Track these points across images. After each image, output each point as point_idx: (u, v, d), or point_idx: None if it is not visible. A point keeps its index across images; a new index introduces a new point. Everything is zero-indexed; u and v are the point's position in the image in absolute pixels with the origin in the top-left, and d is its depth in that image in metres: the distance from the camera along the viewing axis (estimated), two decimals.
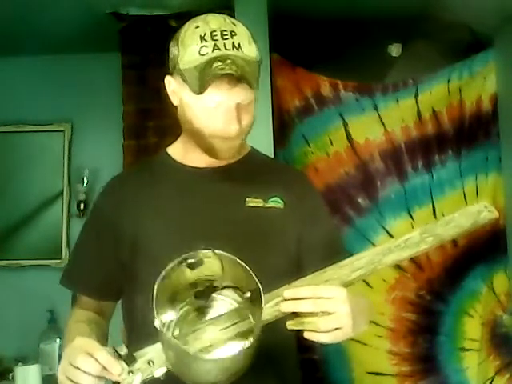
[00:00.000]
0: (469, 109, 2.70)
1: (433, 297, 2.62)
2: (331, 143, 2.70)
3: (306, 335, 0.86)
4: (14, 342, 2.63)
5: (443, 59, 2.75)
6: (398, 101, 2.72)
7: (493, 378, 2.52)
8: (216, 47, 0.98)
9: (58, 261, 2.82)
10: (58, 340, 2.59)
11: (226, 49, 0.98)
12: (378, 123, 2.71)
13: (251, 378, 0.86)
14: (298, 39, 2.69)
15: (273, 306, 0.85)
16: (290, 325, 0.87)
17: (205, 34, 0.99)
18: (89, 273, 1.13)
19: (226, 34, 1.00)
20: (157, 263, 1.03)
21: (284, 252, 1.08)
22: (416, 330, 2.62)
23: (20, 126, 2.91)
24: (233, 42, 0.99)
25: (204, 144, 1.07)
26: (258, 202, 1.09)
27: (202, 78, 0.97)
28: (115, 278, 1.10)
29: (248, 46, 1.01)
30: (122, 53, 2.60)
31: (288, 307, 0.85)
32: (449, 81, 2.71)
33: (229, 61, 0.96)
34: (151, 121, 2.52)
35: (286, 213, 1.09)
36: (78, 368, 0.81)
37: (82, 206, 2.79)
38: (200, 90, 0.98)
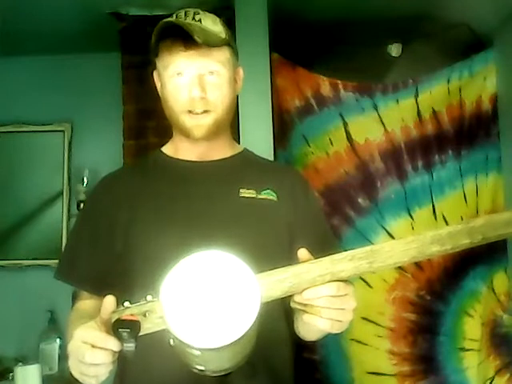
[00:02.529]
0: (469, 109, 2.70)
1: (433, 297, 2.62)
2: (331, 143, 2.70)
3: (305, 317, 0.85)
4: (14, 342, 2.63)
5: (443, 59, 2.76)
6: (397, 101, 2.72)
7: (493, 378, 2.52)
8: (174, 18, 1.07)
9: (58, 261, 2.81)
10: (58, 340, 2.60)
11: (184, 20, 1.06)
12: (378, 123, 2.71)
13: (244, 373, 0.85)
14: (298, 39, 2.69)
15: (279, 282, 0.81)
16: (294, 302, 0.85)
17: (171, 15, 1.09)
18: (83, 266, 1.12)
19: (189, 14, 1.07)
20: (150, 255, 1.04)
21: (276, 240, 1.08)
22: (416, 329, 2.62)
23: (20, 125, 2.91)
24: (193, 17, 1.06)
25: (178, 124, 1.11)
26: (251, 193, 1.10)
27: (156, 35, 1.06)
28: (110, 271, 1.09)
29: (211, 24, 1.07)
30: (122, 53, 2.60)
31: (302, 300, 0.83)
32: (449, 81, 2.71)
33: (181, 23, 1.04)
34: (151, 121, 2.52)
35: (279, 205, 1.11)
36: (90, 364, 0.80)
37: (81, 206, 2.79)
38: (155, 48, 1.07)
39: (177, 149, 1.18)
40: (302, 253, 0.85)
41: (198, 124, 1.08)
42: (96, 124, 2.88)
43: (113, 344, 0.78)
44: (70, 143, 2.92)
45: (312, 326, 0.86)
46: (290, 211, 1.11)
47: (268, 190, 1.11)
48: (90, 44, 2.71)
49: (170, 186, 1.11)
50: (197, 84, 1.05)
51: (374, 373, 2.57)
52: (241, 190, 1.10)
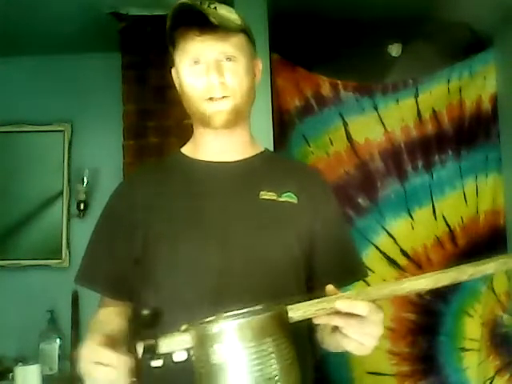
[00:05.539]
0: (469, 109, 2.71)
1: (433, 297, 2.62)
2: (331, 143, 2.71)
3: (332, 331, 0.85)
4: (14, 342, 2.63)
5: (443, 59, 2.76)
6: (397, 101, 2.72)
7: (493, 378, 2.52)
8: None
9: (58, 261, 2.82)
10: (58, 340, 2.60)
11: (199, 4, 1.02)
12: (378, 123, 2.72)
13: None
14: (298, 39, 2.69)
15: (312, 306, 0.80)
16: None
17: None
18: (105, 270, 1.10)
19: (204, 2, 1.04)
20: (168, 259, 1.03)
21: (296, 244, 1.06)
22: (416, 329, 2.62)
23: (20, 125, 2.91)
24: (208, 6, 1.03)
25: (197, 113, 1.07)
26: (272, 196, 1.07)
27: (171, 20, 1.04)
28: (131, 276, 1.07)
29: (226, 12, 1.05)
30: (121, 53, 2.60)
31: (324, 321, 0.82)
32: (449, 81, 2.71)
33: (196, 6, 1.01)
34: (151, 121, 2.52)
35: (299, 208, 1.08)
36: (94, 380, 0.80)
37: (81, 206, 2.79)
38: (170, 37, 1.05)
39: (196, 147, 1.14)
40: (329, 289, 0.84)
41: (218, 110, 1.05)
42: (96, 124, 2.88)
43: (112, 359, 0.77)
44: (70, 143, 2.92)
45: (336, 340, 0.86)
46: (310, 215, 1.09)
47: (289, 193, 1.08)
48: (90, 44, 2.71)
49: (189, 189, 1.09)
50: (214, 69, 1.03)
51: (373, 373, 2.57)
52: (261, 192, 1.07)
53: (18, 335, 2.66)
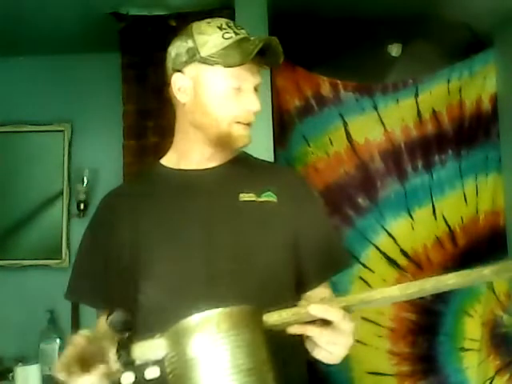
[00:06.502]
0: (469, 109, 2.71)
1: (433, 297, 2.62)
2: (331, 143, 2.71)
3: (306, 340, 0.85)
4: (14, 342, 2.63)
5: (443, 59, 2.76)
6: (397, 101, 2.72)
7: (493, 378, 2.52)
8: (237, 33, 1.06)
9: (58, 261, 2.82)
10: (58, 340, 2.60)
11: (247, 35, 1.08)
12: (378, 123, 2.72)
13: None
14: (298, 39, 2.69)
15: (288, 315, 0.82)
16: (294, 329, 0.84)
17: (221, 25, 1.06)
18: (93, 284, 1.12)
19: (238, 27, 1.08)
20: (155, 267, 1.04)
21: (279, 244, 1.08)
22: (416, 329, 2.62)
23: (20, 125, 2.91)
24: (247, 33, 1.08)
25: (219, 132, 1.08)
26: (251, 197, 1.09)
27: (241, 51, 1.04)
28: (120, 288, 1.08)
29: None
30: (121, 53, 2.60)
31: (297, 330, 0.83)
32: (449, 81, 2.71)
33: (269, 41, 1.08)
34: (151, 121, 2.52)
35: (280, 207, 1.10)
36: None
37: (81, 206, 2.79)
38: (243, 60, 1.04)
39: (179, 159, 1.15)
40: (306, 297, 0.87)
41: (246, 134, 1.09)
42: (96, 124, 2.88)
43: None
44: (70, 143, 2.92)
45: None
46: (292, 212, 1.10)
47: (268, 192, 1.10)
48: (90, 44, 2.71)
49: (171, 199, 1.10)
50: (256, 98, 1.08)
51: (373, 373, 2.57)
52: (240, 195, 1.09)
53: (18, 335, 2.66)
